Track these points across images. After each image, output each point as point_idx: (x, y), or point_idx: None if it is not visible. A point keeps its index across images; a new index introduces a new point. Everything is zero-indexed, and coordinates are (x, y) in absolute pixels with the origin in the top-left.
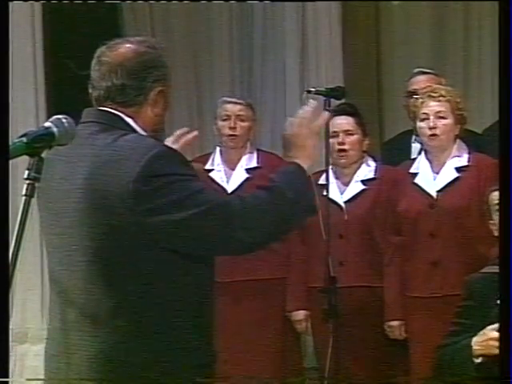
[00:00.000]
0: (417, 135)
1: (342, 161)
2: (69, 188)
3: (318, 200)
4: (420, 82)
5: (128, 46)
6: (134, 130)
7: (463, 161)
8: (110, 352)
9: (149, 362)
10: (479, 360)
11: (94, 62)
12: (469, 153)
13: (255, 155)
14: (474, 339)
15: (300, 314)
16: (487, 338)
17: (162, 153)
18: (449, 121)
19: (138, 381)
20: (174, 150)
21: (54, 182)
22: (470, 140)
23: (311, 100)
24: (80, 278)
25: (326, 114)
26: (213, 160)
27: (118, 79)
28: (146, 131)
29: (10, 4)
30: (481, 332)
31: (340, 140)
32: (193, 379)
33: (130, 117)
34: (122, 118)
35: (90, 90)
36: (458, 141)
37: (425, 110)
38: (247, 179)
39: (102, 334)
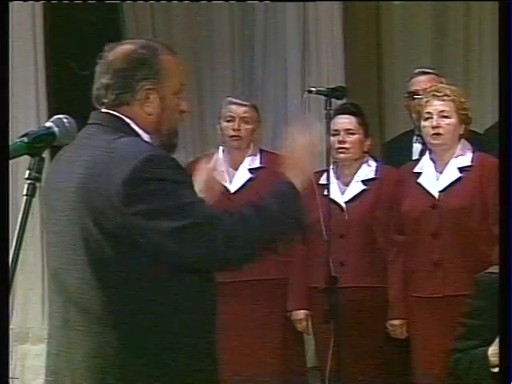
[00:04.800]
0: (418, 135)
1: (341, 156)
2: (65, 187)
3: (307, 216)
4: (421, 82)
5: (124, 46)
6: (135, 132)
7: (466, 160)
8: (105, 350)
9: (146, 363)
10: (496, 370)
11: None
12: (473, 152)
13: (258, 156)
14: (490, 350)
15: (300, 314)
16: None
17: (154, 157)
18: (452, 120)
19: (136, 381)
20: (168, 155)
21: (54, 180)
22: (472, 140)
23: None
24: (76, 277)
25: (318, 128)
26: (216, 159)
27: (106, 79)
28: (148, 133)
29: (10, 4)
30: (496, 341)
31: (341, 139)
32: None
33: (129, 118)
34: (122, 119)
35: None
36: (462, 140)
37: (429, 110)
38: (250, 179)
39: (97, 332)
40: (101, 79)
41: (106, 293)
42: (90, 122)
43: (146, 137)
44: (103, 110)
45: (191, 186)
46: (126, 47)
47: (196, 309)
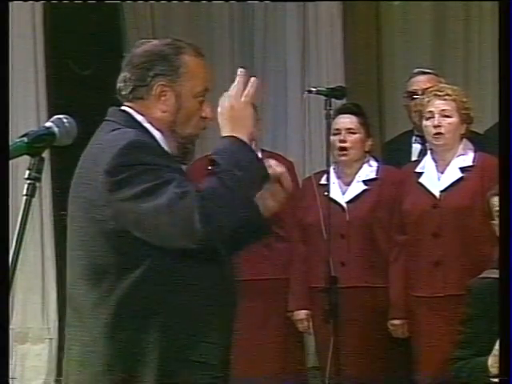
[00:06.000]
0: (417, 136)
1: (343, 158)
2: (70, 184)
3: (266, 167)
4: (420, 82)
5: (149, 43)
6: (144, 128)
7: (468, 160)
8: (94, 345)
9: (134, 360)
10: (497, 380)
11: None
12: (475, 152)
13: (260, 155)
14: (490, 360)
15: (301, 314)
16: None
17: (133, 143)
18: (454, 119)
19: (124, 376)
20: (149, 142)
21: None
22: (472, 140)
23: (240, 69)
24: (71, 273)
25: (254, 80)
26: None
27: (126, 71)
28: (161, 131)
29: (10, 4)
30: (495, 351)
31: (342, 138)
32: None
33: (141, 114)
34: (132, 115)
35: None
36: (464, 140)
37: (430, 109)
38: None
39: (87, 327)
40: (123, 72)
41: (98, 287)
42: (104, 118)
43: (157, 135)
44: (115, 107)
45: (172, 170)
46: (150, 43)
47: (195, 299)
